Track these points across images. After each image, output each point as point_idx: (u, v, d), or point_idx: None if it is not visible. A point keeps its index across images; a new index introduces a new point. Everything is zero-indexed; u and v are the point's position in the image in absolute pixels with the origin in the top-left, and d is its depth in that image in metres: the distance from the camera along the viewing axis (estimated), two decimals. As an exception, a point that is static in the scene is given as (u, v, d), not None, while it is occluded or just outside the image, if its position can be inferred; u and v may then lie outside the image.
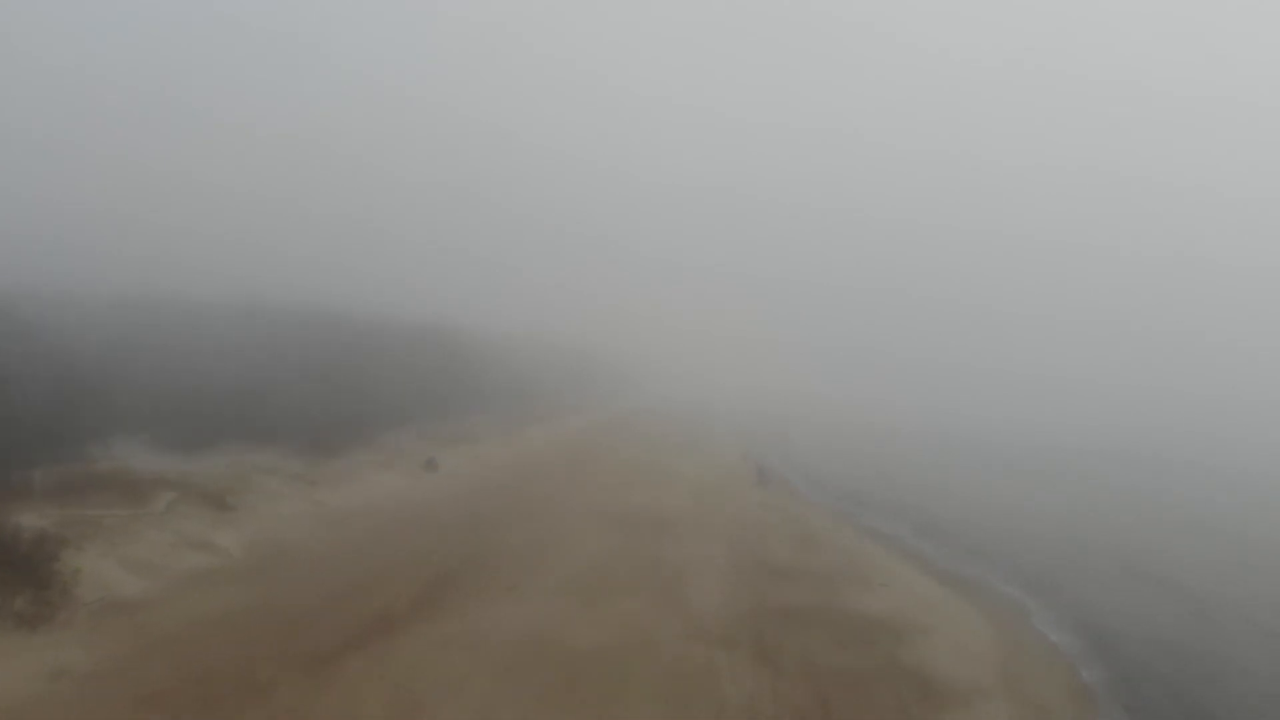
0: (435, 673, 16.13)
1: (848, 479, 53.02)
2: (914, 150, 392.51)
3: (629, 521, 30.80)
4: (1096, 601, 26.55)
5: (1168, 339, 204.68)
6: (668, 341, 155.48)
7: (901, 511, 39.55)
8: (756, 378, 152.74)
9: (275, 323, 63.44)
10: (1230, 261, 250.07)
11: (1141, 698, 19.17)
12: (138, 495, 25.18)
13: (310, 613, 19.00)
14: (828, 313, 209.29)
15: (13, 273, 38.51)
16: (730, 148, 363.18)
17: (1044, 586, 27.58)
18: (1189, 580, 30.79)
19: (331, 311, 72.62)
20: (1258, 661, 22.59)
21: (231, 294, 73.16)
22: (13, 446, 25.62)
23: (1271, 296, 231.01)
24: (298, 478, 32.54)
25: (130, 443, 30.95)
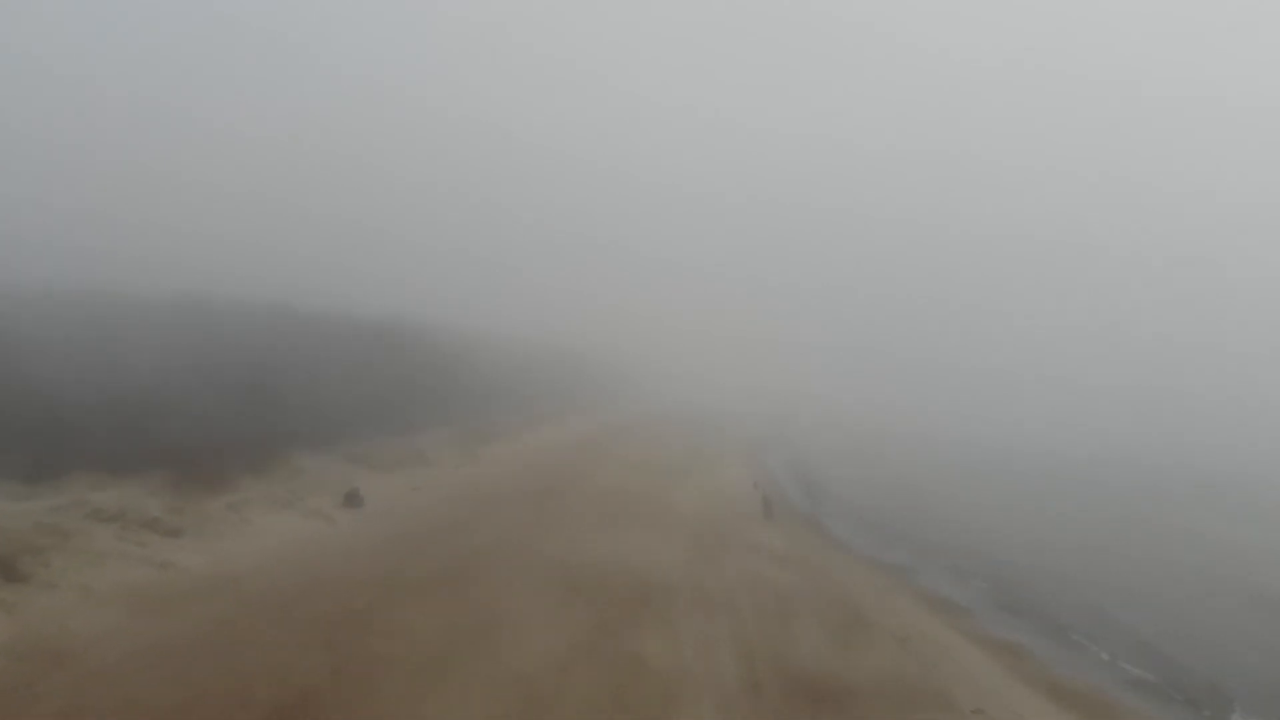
0: None
1: (873, 503, 44.70)
2: (914, 151, 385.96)
3: (600, 590, 22.15)
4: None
5: (1173, 342, 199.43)
6: (668, 342, 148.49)
7: (955, 560, 31.05)
8: (760, 379, 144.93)
9: (205, 318, 54.98)
10: (1231, 264, 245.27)
11: None
12: None
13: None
14: (830, 314, 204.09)
15: None
16: (730, 149, 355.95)
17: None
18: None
19: (283, 305, 64.27)
20: None
21: (164, 288, 64.78)
22: None
23: (1271, 299, 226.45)
24: (150, 525, 23.84)
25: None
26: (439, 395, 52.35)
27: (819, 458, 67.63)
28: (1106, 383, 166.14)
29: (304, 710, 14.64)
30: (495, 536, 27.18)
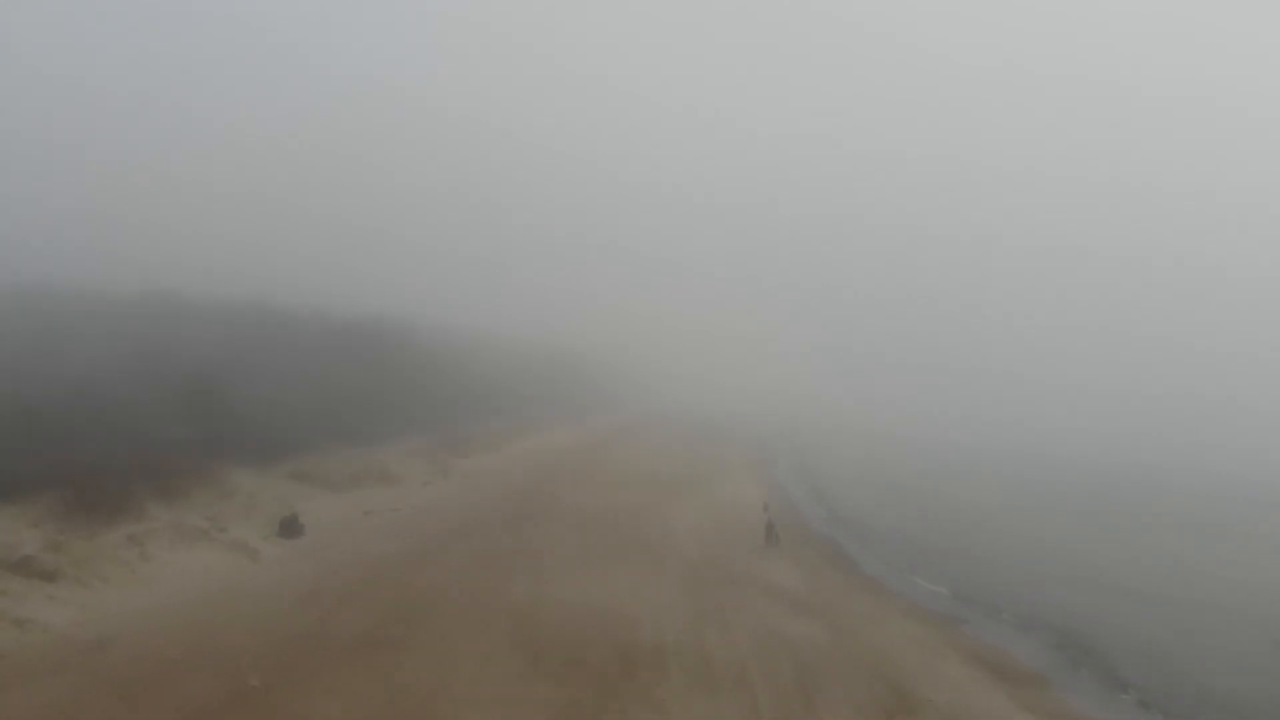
0: None
1: (896, 522, 39.92)
2: (915, 153, 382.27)
3: (572, 656, 17.39)
4: None
5: (1174, 345, 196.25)
6: (669, 342, 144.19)
7: (1005, 598, 26.18)
8: (762, 380, 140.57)
9: (163, 315, 50.37)
10: (1231, 265, 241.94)
11: None
12: None
13: None
14: (832, 316, 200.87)
15: None
16: (731, 151, 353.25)
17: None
18: None
19: (256, 303, 59.63)
20: None
21: (132, 284, 60.20)
22: None
23: (1271, 302, 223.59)
24: (18, 568, 19.18)
25: None
26: (417, 400, 47.60)
27: (830, 465, 62.97)
28: (1108, 386, 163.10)
29: None
30: (452, 577, 22.43)
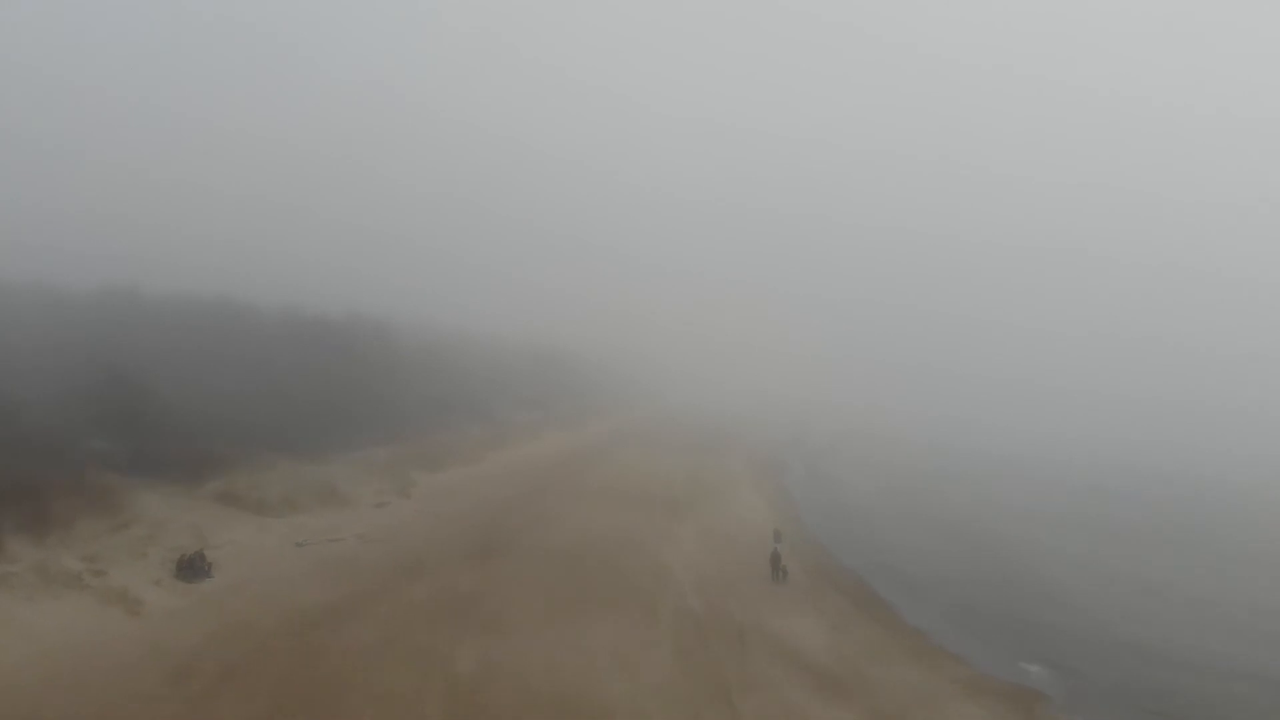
0: None
1: (932, 547, 34.77)
2: (918, 157, 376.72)
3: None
4: None
5: (1176, 347, 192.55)
6: (670, 344, 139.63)
7: (1097, 664, 21.07)
8: (767, 383, 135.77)
9: (94, 312, 45.48)
10: (1231, 267, 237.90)
11: None
12: None
13: None
14: (835, 318, 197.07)
15: None
16: (730, 153, 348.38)
17: None
18: None
19: (218, 299, 54.81)
20: None
21: (90, 280, 55.45)
22: None
23: (1270, 305, 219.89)
24: None
25: None
26: (388, 405, 42.77)
27: (845, 474, 57.84)
28: (1111, 390, 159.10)
29: None
30: (383, 637, 17.57)
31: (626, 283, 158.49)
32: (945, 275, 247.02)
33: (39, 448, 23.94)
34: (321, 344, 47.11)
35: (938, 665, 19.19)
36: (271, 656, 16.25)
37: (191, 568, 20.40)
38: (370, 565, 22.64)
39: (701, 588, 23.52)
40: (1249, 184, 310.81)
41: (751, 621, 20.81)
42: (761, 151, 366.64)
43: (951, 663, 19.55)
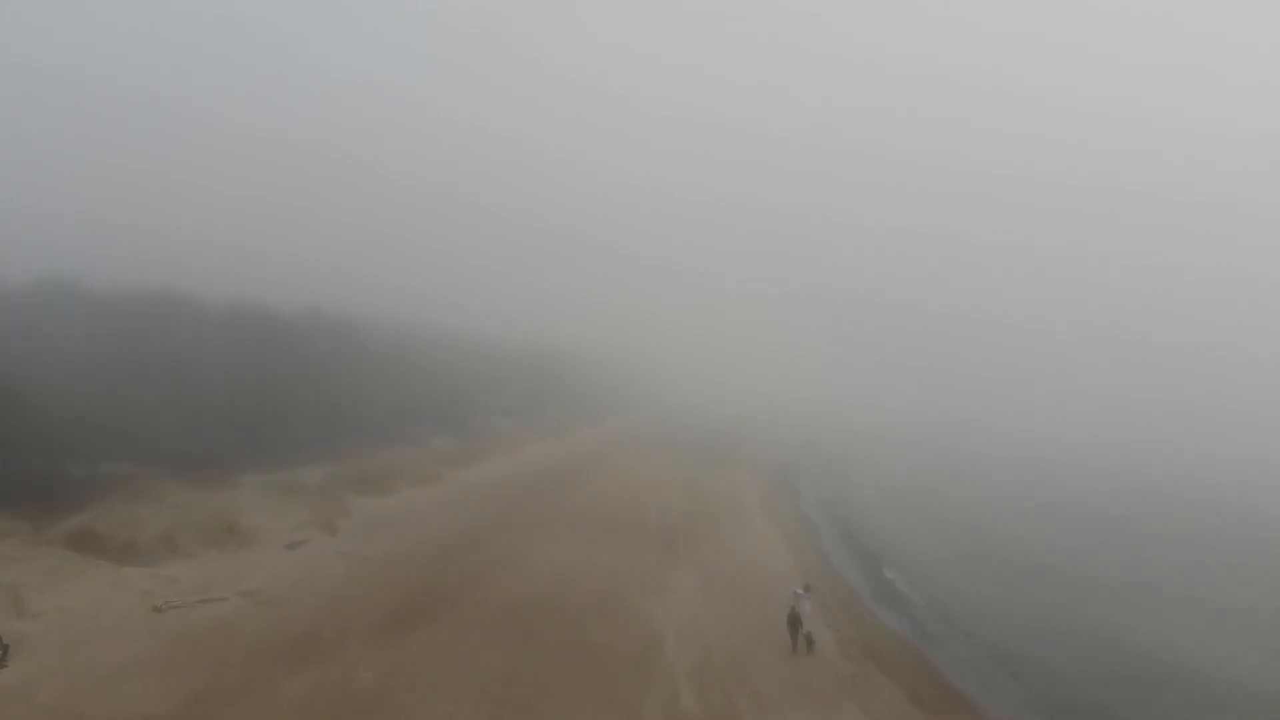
0: None
1: (991, 593, 28.11)
2: (921, 160, 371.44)
3: None
4: None
5: (1178, 351, 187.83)
6: (672, 345, 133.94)
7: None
8: (772, 385, 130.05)
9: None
10: (1232, 268, 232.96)
11: None
12: None
13: None
14: (839, 320, 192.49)
15: None
16: (732, 155, 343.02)
17: None
18: None
19: (161, 294, 48.76)
20: None
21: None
22: None
23: (1269, 307, 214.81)
24: None
25: None
26: (335, 413, 36.77)
27: (867, 494, 51.26)
28: (1110, 390, 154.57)
29: None
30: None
31: (626, 283, 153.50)
32: (945, 275, 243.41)
33: None
34: (267, 343, 41.00)
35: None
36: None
37: (-22, 655, 14.39)
38: (246, 642, 16.52)
39: (700, 673, 17.36)
40: (1249, 185, 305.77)
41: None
42: (761, 152, 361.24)
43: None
